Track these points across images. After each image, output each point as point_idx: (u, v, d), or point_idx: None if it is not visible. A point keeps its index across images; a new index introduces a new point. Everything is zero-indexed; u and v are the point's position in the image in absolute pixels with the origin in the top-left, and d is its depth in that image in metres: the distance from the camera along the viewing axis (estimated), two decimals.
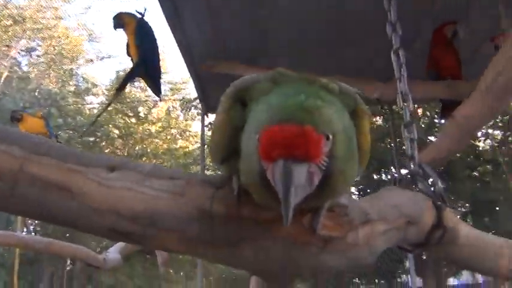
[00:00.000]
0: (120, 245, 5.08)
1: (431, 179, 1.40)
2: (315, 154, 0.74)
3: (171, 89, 17.95)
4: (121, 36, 4.42)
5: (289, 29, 4.39)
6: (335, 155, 0.79)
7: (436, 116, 10.23)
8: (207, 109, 5.62)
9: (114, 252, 4.93)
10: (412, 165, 1.40)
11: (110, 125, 16.03)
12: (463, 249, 1.36)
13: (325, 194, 0.84)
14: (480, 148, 10.92)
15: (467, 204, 11.43)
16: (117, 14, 4.35)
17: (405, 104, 1.48)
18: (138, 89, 16.65)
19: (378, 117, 10.36)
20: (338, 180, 0.82)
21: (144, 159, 15.95)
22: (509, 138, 10.69)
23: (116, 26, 4.32)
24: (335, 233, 0.99)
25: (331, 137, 0.77)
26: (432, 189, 1.29)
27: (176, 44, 4.52)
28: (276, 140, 0.73)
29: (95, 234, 1.09)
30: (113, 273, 14.52)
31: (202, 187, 1.00)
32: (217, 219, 0.96)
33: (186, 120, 17.56)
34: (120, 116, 16.29)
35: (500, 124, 10.88)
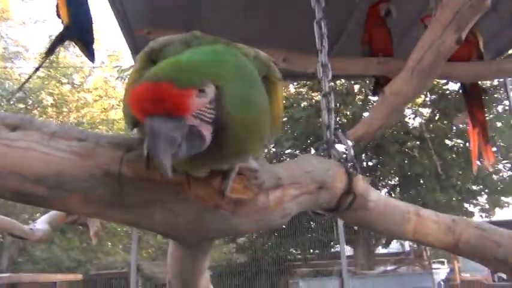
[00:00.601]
0: (50, 215, 4.88)
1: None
2: (178, 108, 0.75)
3: (109, 56, 17.21)
4: None
5: None
6: (225, 107, 0.80)
7: (370, 92, 10.62)
8: None
9: (42, 223, 4.72)
10: (328, 134, 1.45)
11: (43, 92, 15.17)
12: (372, 214, 1.44)
13: (229, 151, 0.85)
14: (410, 125, 11.51)
15: (396, 178, 12.10)
16: None
17: (324, 74, 1.51)
18: (73, 54, 15.81)
19: (316, 93, 10.59)
20: (237, 135, 0.82)
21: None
22: (437, 116, 11.35)
23: None
24: (244, 196, 1.01)
25: (209, 89, 0.79)
26: (345, 156, 1.35)
27: (111, 10, 4.33)
28: (136, 98, 0.76)
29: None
30: (48, 246, 14.04)
31: (112, 149, 0.97)
32: (126, 182, 0.95)
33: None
34: (53, 83, 15.43)
35: (428, 102, 11.51)
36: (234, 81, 0.82)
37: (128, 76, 1.06)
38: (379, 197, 1.44)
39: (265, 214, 1.08)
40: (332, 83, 1.53)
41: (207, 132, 0.79)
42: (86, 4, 4.19)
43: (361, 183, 1.34)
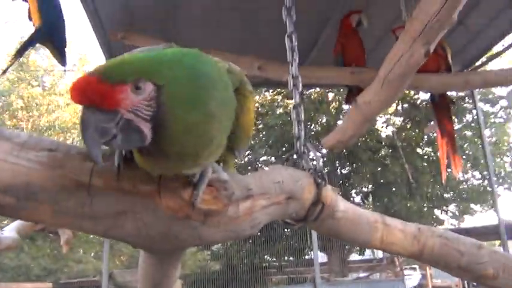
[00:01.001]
0: (18, 222, 4.76)
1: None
2: (107, 101, 0.80)
3: (80, 59, 16.93)
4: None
5: (203, 3, 4.34)
6: (163, 105, 0.83)
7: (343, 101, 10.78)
8: None
9: (10, 230, 4.61)
10: (298, 145, 1.48)
11: (12, 95, 14.80)
12: (340, 223, 1.48)
13: (172, 151, 0.86)
14: (382, 133, 11.73)
15: (369, 185, 12.29)
16: None
17: (295, 86, 1.55)
18: (44, 57, 15.47)
19: (291, 100, 10.67)
20: (177, 135, 0.84)
21: (50, 132, 14.95)
22: (408, 125, 11.61)
23: None
24: (214, 207, 1.03)
25: (146, 86, 0.82)
26: (314, 167, 1.38)
27: (84, 12, 4.29)
28: (71, 88, 0.80)
29: None
30: (17, 254, 13.62)
31: (82, 160, 0.98)
32: (96, 192, 0.96)
33: None
34: (23, 85, 15.08)
35: (400, 111, 11.76)
36: (181, 82, 0.85)
37: None
38: (347, 207, 1.47)
39: (235, 224, 1.10)
40: (302, 95, 1.57)
41: (146, 128, 0.82)
42: (58, 7, 4.13)
43: (329, 193, 1.38)
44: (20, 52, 4.13)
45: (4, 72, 4.47)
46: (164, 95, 0.83)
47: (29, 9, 4.12)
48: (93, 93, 0.79)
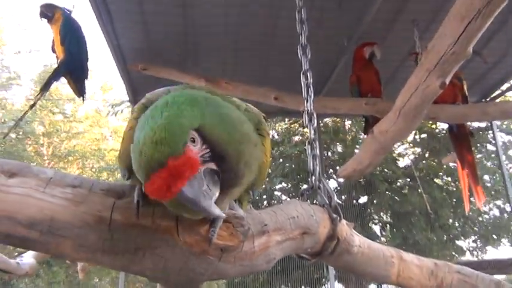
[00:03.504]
0: None
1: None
2: (190, 169, 0.84)
3: (102, 88, 17.32)
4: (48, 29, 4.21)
5: (221, 37, 4.46)
6: (212, 135, 0.89)
7: (360, 130, 10.74)
8: None
9: (29, 257, 4.66)
10: (313, 180, 1.50)
11: (35, 122, 15.17)
12: (356, 258, 1.48)
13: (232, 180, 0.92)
14: (399, 163, 11.59)
15: (387, 216, 12.07)
16: (48, 4, 4.11)
17: (310, 122, 1.58)
18: (65, 85, 15.85)
19: (306, 129, 10.67)
20: (237, 160, 0.91)
21: (70, 158, 15.20)
22: (426, 155, 11.47)
23: (42, 15, 4.07)
24: (231, 243, 1.05)
25: (194, 134, 0.87)
26: (329, 202, 1.39)
27: (107, 45, 4.44)
28: (160, 188, 0.83)
29: None
30: (33, 280, 13.67)
31: (104, 196, 1.02)
32: (117, 228, 0.99)
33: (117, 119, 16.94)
34: (45, 112, 15.46)
35: (418, 141, 11.65)
36: (211, 119, 0.91)
37: (126, 121, 1.12)
38: (362, 241, 1.48)
39: (251, 260, 1.12)
40: (317, 130, 1.60)
41: (214, 166, 0.89)
42: (82, 40, 4.29)
43: (344, 228, 1.38)
44: (46, 86, 4.29)
45: (32, 106, 4.66)
46: (205, 131, 0.89)
47: (52, 41, 4.29)
48: (183, 172, 0.82)
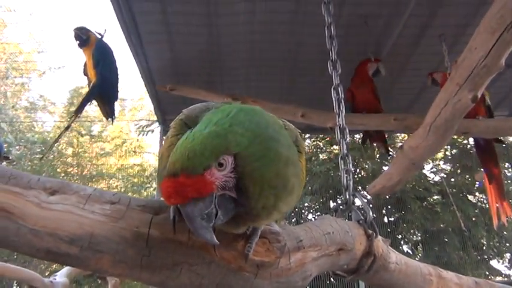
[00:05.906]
0: (68, 268, 4.90)
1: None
2: (201, 190, 0.84)
3: (131, 109, 17.65)
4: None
5: (245, 56, 4.51)
6: (246, 168, 0.87)
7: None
8: (166, 132, 5.62)
9: (62, 276, 4.74)
10: (347, 195, 1.48)
11: (63, 143, 15.55)
12: (393, 275, 1.44)
13: (257, 209, 0.90)
14: (431, 180, 11.31)
15: (419, 234, 11.74)
16: (82, 27, 4.23)
17: (342, 137, 1.57)
18: (93, 106, 16.21)
19: (335, 146, 10.61)
20: (263, 190, 0.88)
21: (97, 178, 15.47)
22: (458, 171, 11.17)
23: (77, 38, 4.19)
24: (267, 259, 1.04)
25: (226, 159, 0.86)
26: (364, 218, 1.37)
27: (136, 67, 4.55)
28: (164, 194, 0.86)
29: (32, 256, 1.08)
30: None
31: (141, 212, 1.03)
32: (154, 244, 1.00)
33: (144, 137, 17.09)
34: (73, 134, 15.85)
35: (449, 157, 11.37)
36: (255, 146, 0.88)
37: (163, 142, 1.13)
38: (399, 258, 1.44)
39: (287, 276, 1.10)
40: (349, 142, 1.59)
41: (234, 194, 0.87)
42: (114, 64, 4.41)
43: (381, 244, 1.36)
44: (80, 109, 4.41)
45: (66, 129, 4.80)
46: (242, 160, 0.87)
47: (85, 64, 4.42)
48: (188, 190, 0.83)
